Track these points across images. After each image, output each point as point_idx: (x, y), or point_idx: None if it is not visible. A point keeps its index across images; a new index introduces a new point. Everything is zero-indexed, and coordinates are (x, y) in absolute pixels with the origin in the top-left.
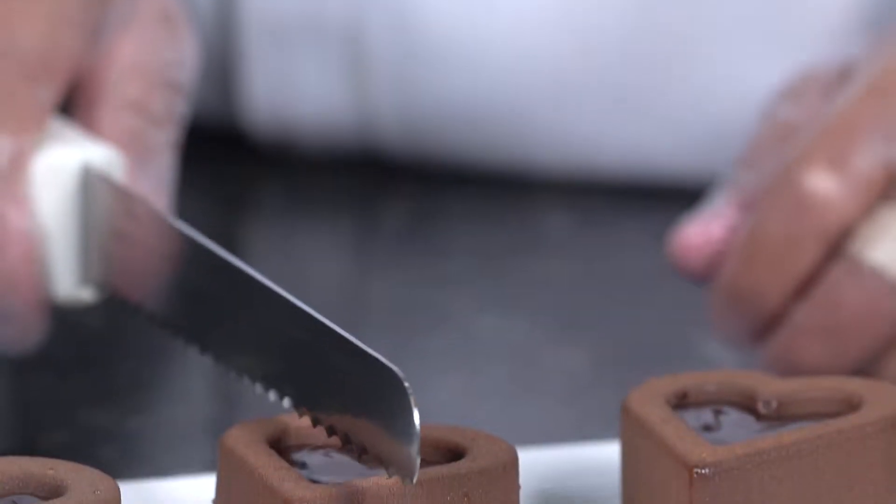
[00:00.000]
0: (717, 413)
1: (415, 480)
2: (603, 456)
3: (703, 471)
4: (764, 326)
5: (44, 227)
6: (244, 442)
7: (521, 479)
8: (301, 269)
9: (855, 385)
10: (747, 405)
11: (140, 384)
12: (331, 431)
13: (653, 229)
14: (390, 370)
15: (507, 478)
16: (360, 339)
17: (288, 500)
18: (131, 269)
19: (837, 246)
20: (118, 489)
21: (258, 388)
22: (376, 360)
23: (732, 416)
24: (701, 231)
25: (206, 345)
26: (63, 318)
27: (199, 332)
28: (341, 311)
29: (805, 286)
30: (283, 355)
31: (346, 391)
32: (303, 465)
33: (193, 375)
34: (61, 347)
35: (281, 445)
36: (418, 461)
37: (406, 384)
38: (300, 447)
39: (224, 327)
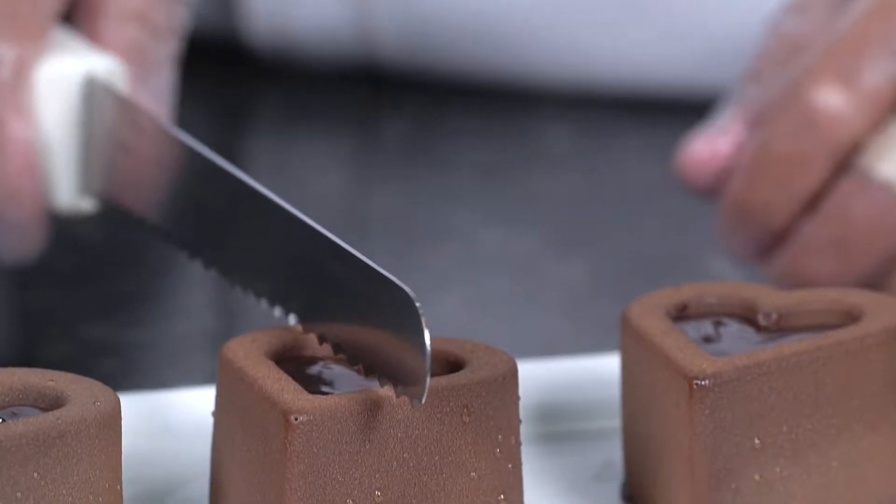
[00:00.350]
0: (718, 325)
1: (423, 401)
2: (603, 368)
3: (702, 382)
4: (771, 242)
5: (46, 137)
6: (244, 354)
7: (521, 391)
8: (301, 183)
9: (855, 297)
10: (747, 317)
11: (140, 297)
12: (337, 349)
13: (654, 142)
14: (402, 290)
15: (507, 389)
16: (361, 253)
17: (287, 412)
18: (133, 180)
19: (846, 161)
20: (118, 401)
21: (263, 303)
22: (387, 279)
23: (732, 328)
24: (708, 147)
25: (210, 259)
26: (64, 230)
27: (202, 246)
28: (342, 224)
29: (813, 202)
30: (289, 270)
31: (354, 309)
32: (302, 377)
33: (194, 288)
34: (62, 260)
35: (281, 358)
36: (428, 382)
37: (417, 304)
38: (300, 359)
39: (228, 241)
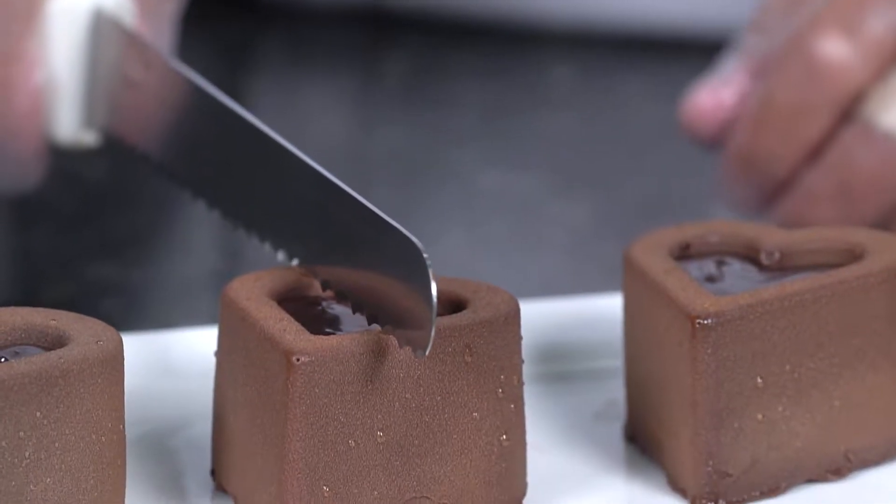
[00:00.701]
0: (720, 264)
1: (427, 353)
2: (605, 307)
3: (705, 321)
4: (774, 192)
5: (52, 71)
6: (246, 294)
7: (523, 331)
8: (304, 122)
9: (858, 236)
10: (750, 256)
11: (143, 237)
12: (341, 296)
13: (658, 83)
14: (410, 241)
15: (509, 329)
16: (363, 194)
17: (289, 353)
18: (138, 115)
19: (849, 111)
20: (121, 340)
21: (266, 247)
22: (396, 229)
23: (735, 267)
24: (711, 97)
25: (214, 199)
26: (66, 169)
27: (206, 186)
28: (344, 164)
29: (816, 152)
30: (294, 215)
31: (360, 258)
32: (305, 318)
33: (198, 228)
34: (65, 200)
35: (283, 298)
36: (433, 334)
37: (426, 256)
38: (303, 299)
39: (233, 182)
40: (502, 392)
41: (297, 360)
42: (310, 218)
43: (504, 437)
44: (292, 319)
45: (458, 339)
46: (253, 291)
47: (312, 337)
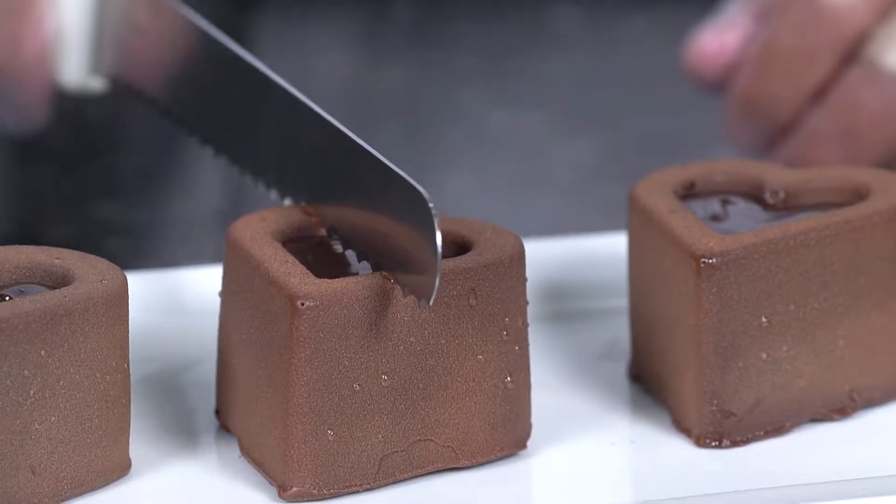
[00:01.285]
0: (725, 203)
1: (431, 302)
2: (610, 247)
3: (710, 260)
4: (778, 134)
5: (61, 20)
6: (250, 235)
7: (528, 271)
8: (308, 63)
9: (863, 175)
10: (755, 195)
11: (148, 176)
12: (346, 245)
13: (662, 23)
14: (416, 190)
15: (514, 271)
16: (369, 135)
17: (293, 297)
18: (145, 60)
19: (853, 52)
20: (125, 279)
21: (273, 194)
22: (402, 178)
23: (740, 206)
24: (715, 41)
25: (221, 146)
26: (70, 109)
27: (213, 132)
28: (349, 104)
29: (820, 93)
30: (301, 162)
31: (367, 207)
32: (309, 260)
33: (203, 167)
34: (70, 139)
35: (288, 238)
36: (437, 282)
37: (431, 205)
38: (308, 240)
39: (240, 128)
40: (507, 334)
41: (302, 304)
42: (315, 165)
43: (509, 379)
44: (297, 262)
45: (463, 282)
46: (257, 231)
47: (317, 281)
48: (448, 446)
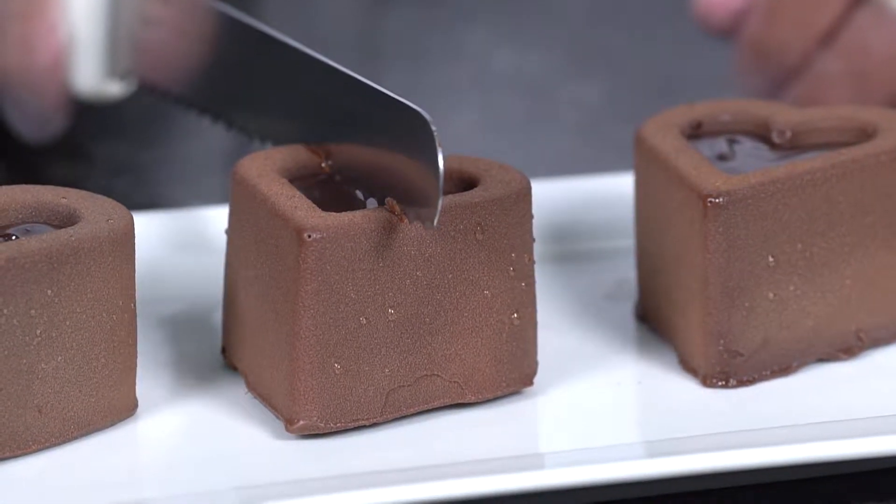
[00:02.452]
0: (732, 142)
1: (435, 223)
2: (616, 187)
3: (716, 200)
4: (787, 78)
5: (74, 25)
6: (257, 172)
7: (535, 211)
8: (313, 5)
9: (870, 114)
10: (761, 134)
11: (154, 116)
12: (351, 179)
13: None
14: (417, 113)
15: (520, 207)
16: (376, 73)
17: (300, 229)
18: (160, 54)
19: None
20: (132, 218)
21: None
22: (402, 103)
23: (746, 146)
24: None
25: (232, 121)
26: None
27: (225, 109)
28: (355, 45)
29: (829, 37)
30: (305, 106)
31: (370, 139)
32: (316, 195)
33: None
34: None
35: (294, 176)
36: (440, 204)
37: (433, 126)
38: (314, 176)
39: (251, 99)
40: (513, 270)
41: (309, 236)
42: (318, 107)
43: (515, 315)
44: (303, 196)
45: (470, 216)
46: (264, 169)
47: (324, 214)
48: (454, 381)
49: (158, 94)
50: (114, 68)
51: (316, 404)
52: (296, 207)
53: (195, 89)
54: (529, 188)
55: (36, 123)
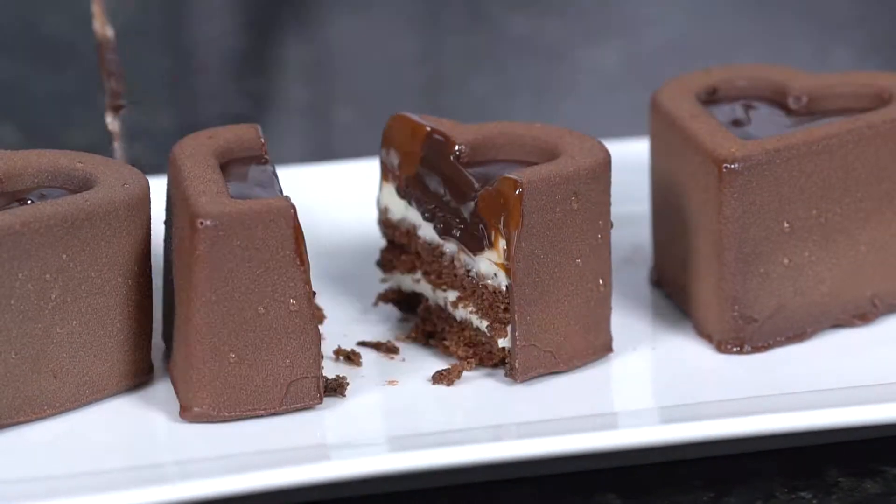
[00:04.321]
0: (748, 108)
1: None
2: (632, 152)
3: (732, 166)
4: None
5: None
6: (190, 151)
7: None
8: None
9: (886, 80)
10: (778, 100)
11: (170, 81)
12: None
13: None
14: None
15: (606, 174)
16: (387, 40)
17: (194, 215)
18: None
19: None
20: (148, 183)
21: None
22: None
23: (762, 111)
24: None
25: None
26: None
27: None
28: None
29: None
30: None
31: None
32: (245, 180)
33: (223, 72)
34: (92, 47)
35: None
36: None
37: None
38: (254, 160)
39: None
40: (601, 237)
41: (201, 223)
42: None
43: (601, 281)
44: (221, 181)
45: (567, 185)
46: (198, 148)
47: (227, 201)
48: (548, 351)
49: None
50: None
51: (209, 392)
52: (203, 192)
53: None
54: (610, 155)
55: None
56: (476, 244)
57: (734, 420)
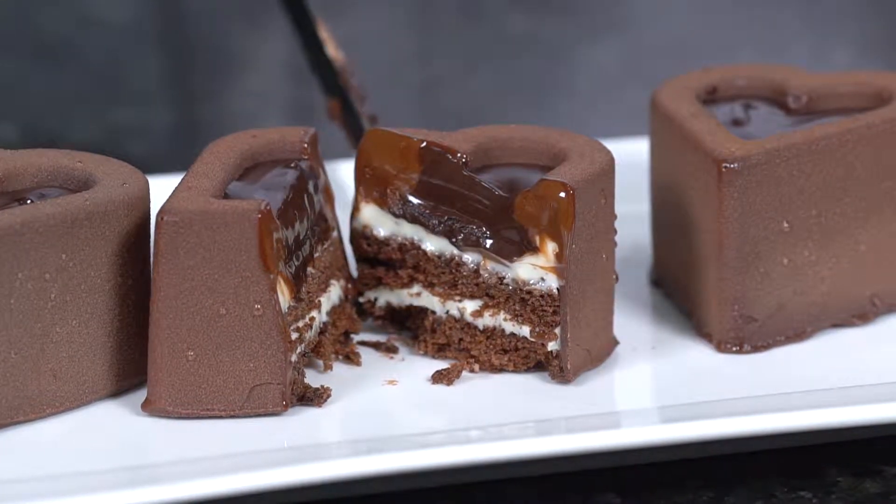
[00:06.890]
0: (747, 107)
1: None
2: (631, 152)
3: (731, 165)
4: None
5: None
6: (216, 149)
7: None
8: None
9: (886, 79)
10: (777, 99)
11: (169, 81)
12: None
13: None
14: None
15: (611, 179)
16: (389, 38)
17: (161, 210)
18: None
19: None
20: (147, 183)
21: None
22: None
23: (762, 111)
24: None
25: None
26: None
27: None
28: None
29: None
30: None
31: None
32: (254, 182)
33: (223, 72)
34: (93, 45)
35: (262, 161)
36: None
37: None
38: (275, 163)
39: None
40: (616, 233)
41: (163, 218)
42: None
43: (614, 277)
44: (219, 180)
45: (598, 184)
46: (227, 147)
47: (200, 199)
48: (585, 349)
49: None
50: None
51: (165, 387)
52: (187, 189)
53: None
54: (613, 159)
55: None
56: (513, 251)
57: (734, 420)
